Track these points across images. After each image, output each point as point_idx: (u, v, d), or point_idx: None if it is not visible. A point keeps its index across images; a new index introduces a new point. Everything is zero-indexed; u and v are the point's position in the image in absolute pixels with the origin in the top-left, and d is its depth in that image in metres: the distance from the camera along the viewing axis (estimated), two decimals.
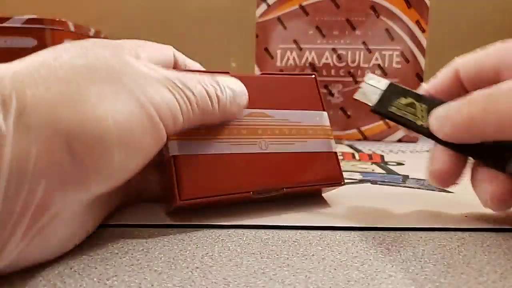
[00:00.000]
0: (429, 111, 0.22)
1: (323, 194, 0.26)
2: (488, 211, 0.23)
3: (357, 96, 0.24)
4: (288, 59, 0.54)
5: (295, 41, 0.53)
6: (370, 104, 0.24)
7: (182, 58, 0.23)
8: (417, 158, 0.44)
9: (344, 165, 0.39)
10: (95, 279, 0.15)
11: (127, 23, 0.77)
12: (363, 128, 0.57)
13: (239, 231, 0.21)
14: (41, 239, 0.15)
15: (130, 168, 0.16)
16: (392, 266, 0.17)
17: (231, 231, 0.21)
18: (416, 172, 0.36)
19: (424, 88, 0.24)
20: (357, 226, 0.21)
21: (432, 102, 0.22)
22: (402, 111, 0.23)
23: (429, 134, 0.22)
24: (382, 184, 0.31)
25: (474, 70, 0.22)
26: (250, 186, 0.21)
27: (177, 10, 0.78)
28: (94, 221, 0.19)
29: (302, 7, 0.52)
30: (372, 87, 0.24)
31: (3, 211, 0.13)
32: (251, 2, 0.55)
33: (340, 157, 0.43)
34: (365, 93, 0.24)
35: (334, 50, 0.53)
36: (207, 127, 0.21)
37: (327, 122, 0.25)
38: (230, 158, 0.21)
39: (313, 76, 0.27)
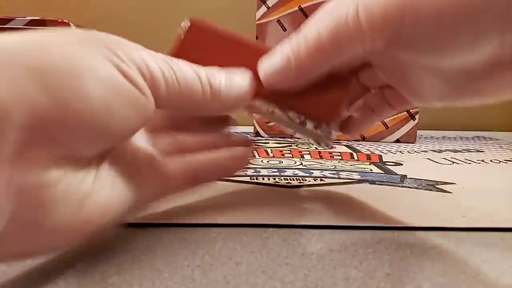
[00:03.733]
0: None
1: (320, 193, 0.27)
2: (487, 211, 0.23)
3: None
4: None
5: None
6: None
7: None
8: (415, 158, 0.44)
9: (343, 165, 0.39)
10: (97, 278, 0.16)
11: (128, 24, 0.78)
12: None
13: (239, 229, 0.21)
14: (35, 203, 0.13)
15: (113, 111, 0.15)
16: (390, 265, 0.17)
17: (231, 229, 0.21)
18: (414, 172, 0.36)
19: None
20: (356, 225, 0.22)
21: None
22: None
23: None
24: (380, 184, 0.31)
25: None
26: None
27: (178, 11, 0.79)
28: (98, 205, 0.16)
29: (301, 9, 0.53)
30: None
31: None
32: (251, 3, 0.55)
33: (339, 157, 0.43)
34: None
35: None
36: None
37: None
38: None
39: None
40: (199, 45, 0.21)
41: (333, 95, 0.21)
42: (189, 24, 0.21)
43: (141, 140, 0.20)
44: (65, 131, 0.14)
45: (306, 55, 0.19)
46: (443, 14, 0.16)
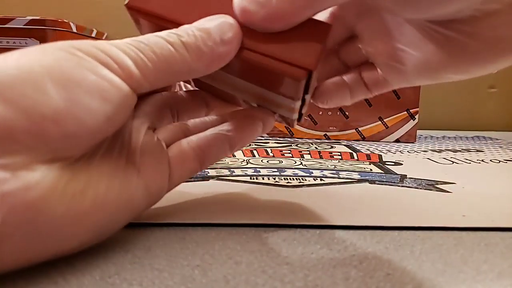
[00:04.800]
0: None
1: (320, 193, 0.27)
2: (487, 210, 0.23)
3: None
4: None
5: None
6: None
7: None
8: (414, 158, 0.44)
9: (342, 164, 0.39)
10: (97, 277, 0.16)
11: (129, 24, 0.77)
12: (361, 129, 0.58)
13: (239, 229, 0.21)
14: (22, 206, 0.14)
15: (79, 106, 0.15)
16: (390, 265, 0.17)
17: (231, 229, 0.21)
18: (413, 172, 0.36)
19: None
20: (355, 225, 0.22)
21: None
22: None
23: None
24: (380, 184, 0.31)
25: None
26: None
27: None
28: (96, 201, 0.16)
29: None
30: None
31: None
32: None
33: (338, 157, 0.43)
34: None
35: None
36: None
37: None
38: None
39: None
40: None
41: (312, 39, 0.18)
42: None
43: (142, 129, 0.20)
44: (35, 136, 0.14)
45: None
46: None
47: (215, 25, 0.18)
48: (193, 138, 0.22)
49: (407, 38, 0.20)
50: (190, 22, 0.18)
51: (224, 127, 0.23)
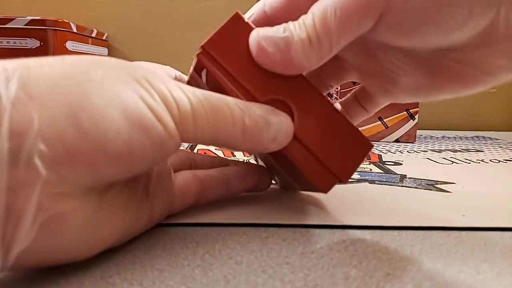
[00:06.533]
0: None
1: (320, 193, 0.27)
2: (486, 210, 0.23)
3: None
4: None
5: None
6: None
7: (182, 77, 0.23)
8: (414, 158, 0.44)
9: None
10: (97, 277, 0.16)
11: (129, 24, 0.78)
12: (361, 129, 0.58)
13: (239, 229, 0.21)
14: (53, 229, 0.14)
15: (141, 149, 0.15)
16: (390, 265, 0.17)
17: (231, 229, 0.21)
18: (413, 172, 0.36)
19: None
20: (355, 225, 0.22)
21: None
22: None
23: None
24: (379, 184, 0.31)
25: (283, 5, 0.20)
26: None
27: (177, 11, 0.79)
28: (113, 229, 0.17)
29: None
30: None
31: (12, 177, 0.12)
32: (251, 4, 0.55)
33: None
34: None
35: None
36: None
37: None
38: None
39: None
40: (235, 40, 0.19)
41: (354, 154, 0.20)
42: (233, 15, 0.20)
43: None
44: (90, 171, 0.14)
45: (320, 28, 0.17)
46: None
47: (276, 122, 0.18)
48: (199, 173, 0.23)
49: (397, 63, 0.21)
50: (254, 94, 0.19)
51: (227, 171, 0.24)
